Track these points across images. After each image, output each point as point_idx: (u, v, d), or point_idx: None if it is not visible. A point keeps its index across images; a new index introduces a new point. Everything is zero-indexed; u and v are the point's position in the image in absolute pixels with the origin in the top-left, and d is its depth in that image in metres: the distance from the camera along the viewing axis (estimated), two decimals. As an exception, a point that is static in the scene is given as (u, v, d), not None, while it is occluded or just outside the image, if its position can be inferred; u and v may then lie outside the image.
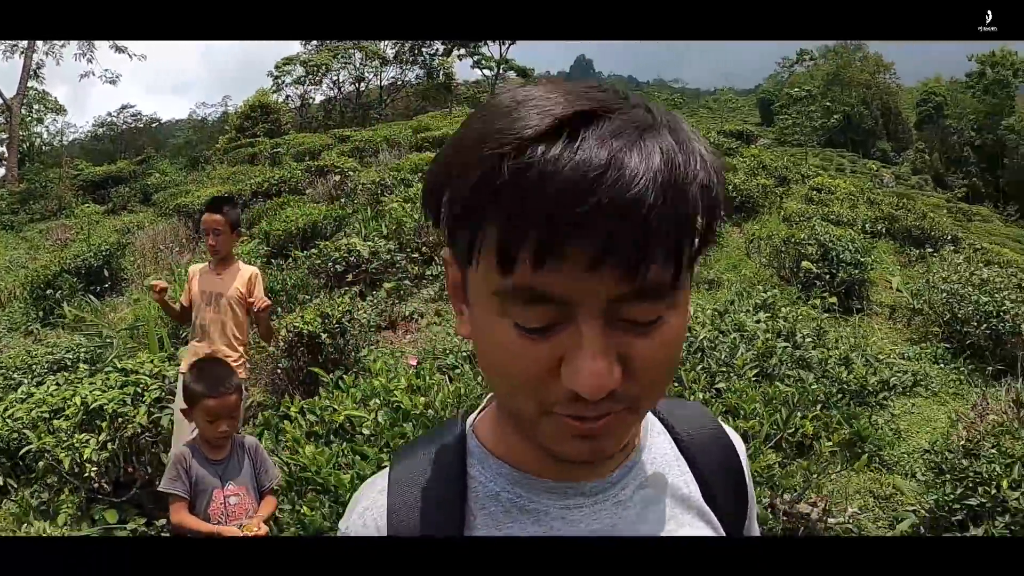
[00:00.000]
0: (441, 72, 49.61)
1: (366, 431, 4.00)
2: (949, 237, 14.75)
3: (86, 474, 4.15)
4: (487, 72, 52.81)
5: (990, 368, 7.80)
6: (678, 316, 0.74)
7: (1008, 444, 4.46)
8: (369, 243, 9.36)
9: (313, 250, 9.60)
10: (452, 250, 0.79)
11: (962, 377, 7.69)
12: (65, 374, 5.60)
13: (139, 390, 4.64)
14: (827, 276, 9.57)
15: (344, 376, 4.91)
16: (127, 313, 9.23)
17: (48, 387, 5.00)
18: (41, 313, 9.72)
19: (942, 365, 7.92)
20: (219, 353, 4.41)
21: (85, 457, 4.16)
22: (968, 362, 7.97)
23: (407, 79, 53.11)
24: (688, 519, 0.95)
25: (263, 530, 3.27)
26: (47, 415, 4.51)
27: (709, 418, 1.08)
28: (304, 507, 3.64)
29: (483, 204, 0.68)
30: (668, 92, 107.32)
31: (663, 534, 0.92)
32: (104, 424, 4.34)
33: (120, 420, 4.37)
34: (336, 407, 4.23)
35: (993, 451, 4.44)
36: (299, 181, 15.65)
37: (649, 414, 1.00)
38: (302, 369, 6.00)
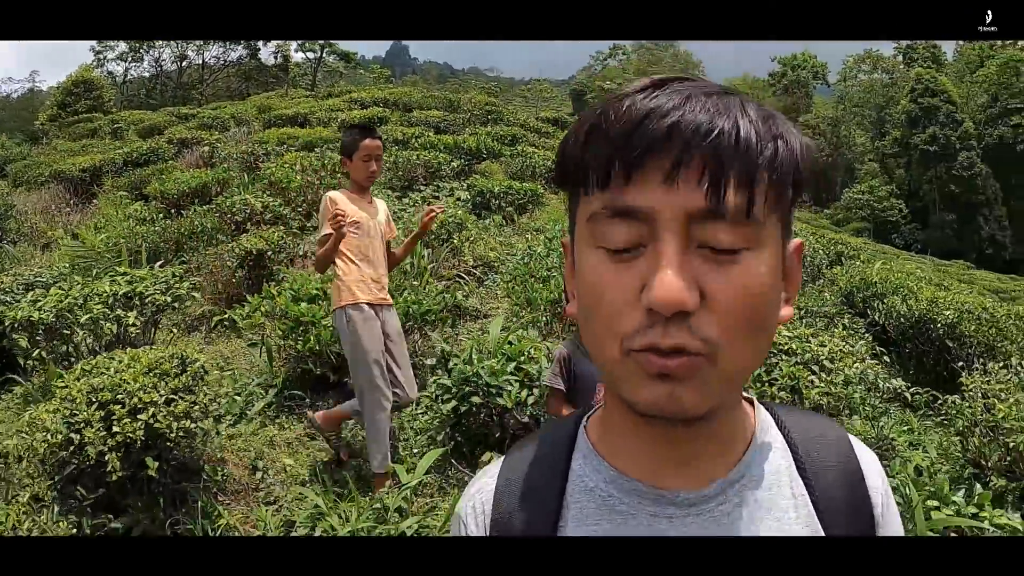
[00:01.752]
0: (280, 55, 50.21)
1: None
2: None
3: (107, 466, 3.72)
4: (310, 55, 53.82)
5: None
6: (759, 261, 0.76)
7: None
8: (260, 199, 11.10)
9: (211, 205, 11.31)
10: (569, 228, 0.89)
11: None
12: (57, 287, 6.88)
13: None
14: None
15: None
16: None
17: (55, 291, 6.44)
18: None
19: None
20: (380, 275, 4.75)
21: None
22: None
23: (229, 59, 53.11)
24: None
25: None
26: (79, 301, 6.05)
27: (840, 437, 0.99)
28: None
29: (585, 144, 0.79)
30: (484, 80, 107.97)
31: None
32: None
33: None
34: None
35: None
36: (165, 152, 17.00)
37: (771, 427, 0.97)
38: (251, 277, 7.92)
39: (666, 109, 0.74)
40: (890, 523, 0.96)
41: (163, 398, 4.02)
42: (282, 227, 9.97)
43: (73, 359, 5.89)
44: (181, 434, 3.99)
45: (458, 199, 13.04)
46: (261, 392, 6.05)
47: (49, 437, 3.79)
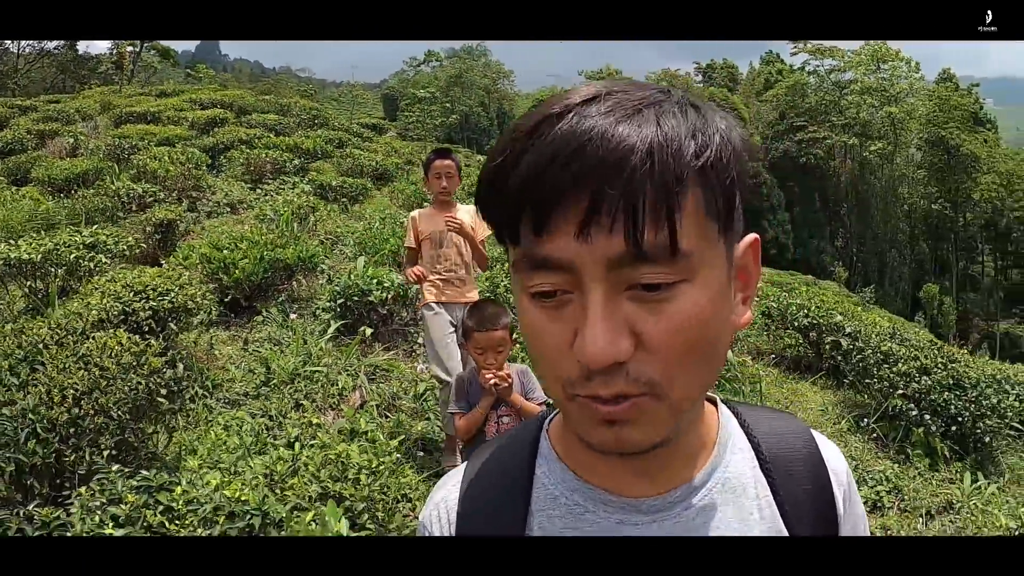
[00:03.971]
0: (115, 51, 50.04)
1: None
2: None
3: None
4: (130, 48, 53.84)
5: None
6: (699, 293, 0.73)
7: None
8: (140, 185, 13.45)
9: (92, 189, 13.57)
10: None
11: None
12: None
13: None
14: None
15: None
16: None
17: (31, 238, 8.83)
18: None
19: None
20: (456, 278, 5.47)
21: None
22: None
23: (46, 48, 52.23)
24: None
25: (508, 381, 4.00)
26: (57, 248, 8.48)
27: (801, 433, 1.00)
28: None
29: (493, 185, 0.75)
30: (296, 81, 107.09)
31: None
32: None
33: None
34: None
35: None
36: (27, 142, 18.69)
37: (735, 428, 0.97)
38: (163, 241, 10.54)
39: (570, 150, 0.69)
40: (853, 516, 0.99)
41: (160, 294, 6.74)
42: (178, 206, 12.45)
43: (44, 294, 8.32)
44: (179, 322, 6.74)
45: (303, 191, 15.76)
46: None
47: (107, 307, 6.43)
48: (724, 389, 7.55)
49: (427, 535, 0.98)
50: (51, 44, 50.69)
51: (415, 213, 5.68)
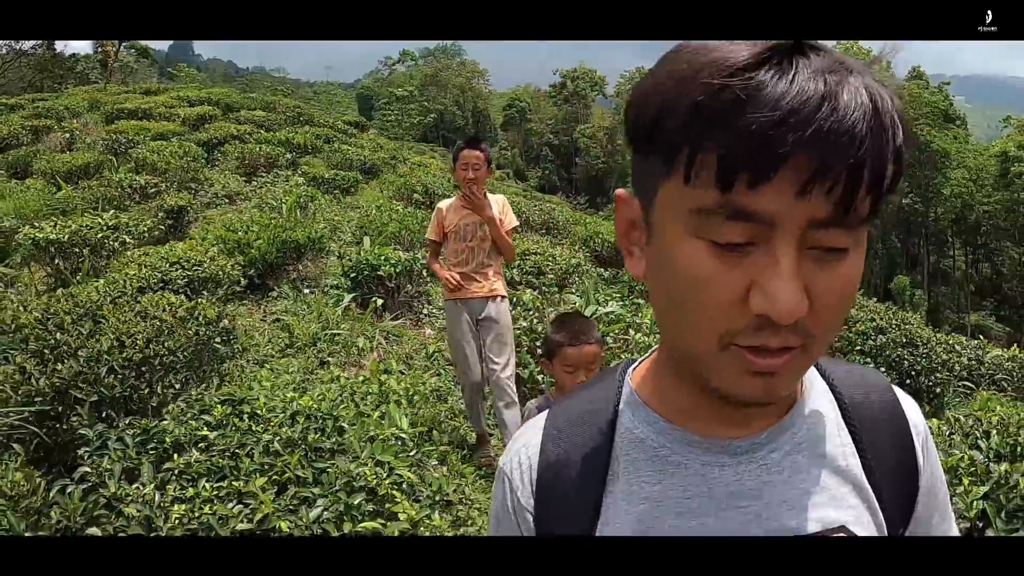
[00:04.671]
0: (100, 50, 50.27)
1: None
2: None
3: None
4: (111, 47, 54.07)
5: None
6: (859, 257, 0.76)
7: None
8: (142, 177, 14.06)
9: (95, 181, 14.16)
10: (634, 182, 0.84)
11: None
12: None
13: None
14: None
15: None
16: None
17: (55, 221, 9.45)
18: None
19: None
20: (480, 273, 5.35)
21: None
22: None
23: (23, 48, 52.30)
24: (842, 493, 0.91)
25: None
26: (83, 229, 9.12)
27: (882, 383, 1.02)
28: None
29: (704, 126, 0.71)
30: (270, 80, 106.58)
31: (811, 507, 0.88)
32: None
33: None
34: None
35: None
36: (23, 137, 19.19)
37: (816, 375, 0.99)
38: (174, 226, 11.13)
39: (806, 111, 0.68)
40: (931, 465, 0.99)
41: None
42: (185, 194, 13.07)
43: (75, 270, 8.93)
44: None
45: (297, 183, 16.40)
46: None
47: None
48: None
49: (505, 480, 0.98)
50: (28, 44, 50.68)
51: (442, 204, 5.57)
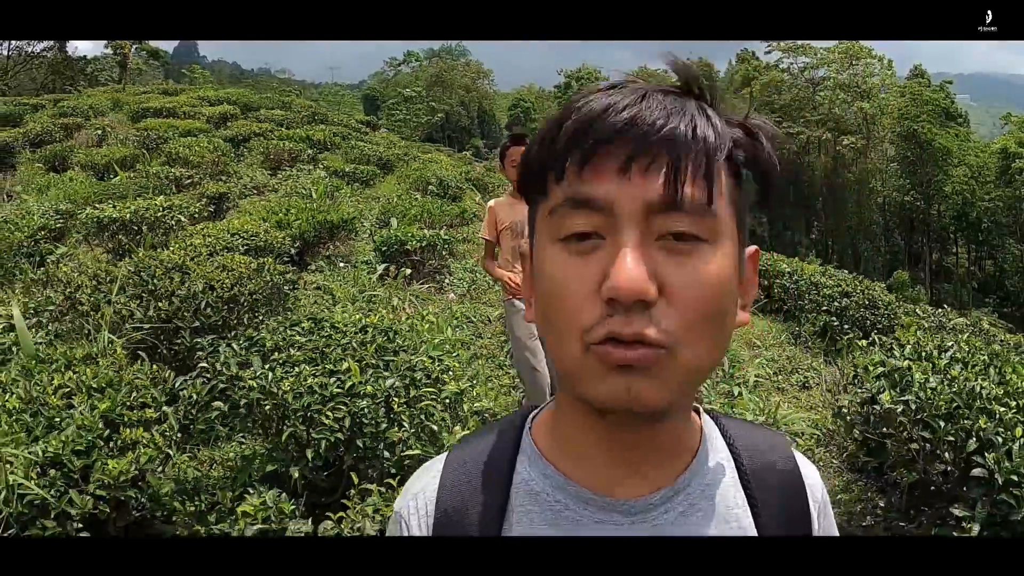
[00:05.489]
0: (119, 52, 51.33)
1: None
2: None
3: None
4: (129, 49, 55.07)
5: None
6: (719, 253, 0.79)
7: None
8: (174, 169, 15.22)
9: (132, 172, 15.36)
10: (530, 235, 0.90)
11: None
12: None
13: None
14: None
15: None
16: None
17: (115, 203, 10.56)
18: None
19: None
20: None
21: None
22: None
23: (34, 51, 53.13)
24: None
25: None
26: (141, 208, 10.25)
27: (782, 449, 1.03)
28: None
29: (544, 146, 0.82)
30: (276, 82, 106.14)
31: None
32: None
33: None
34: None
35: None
36: (54, 134, 20.40)
37: (716, 436, 0.99)
38: (215, 209, 12.27)
39: (623, 105, 0.77)
40: (825, 530, 1.02)
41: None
42: (224, 182, 14.24)
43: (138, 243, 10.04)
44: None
45: (319, 176, 17.56)
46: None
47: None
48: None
49: (403, 525, 0.97)
50: (40, 46, 51.42)
51: (492, 203, 5.52)
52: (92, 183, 14.09)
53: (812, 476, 1.03)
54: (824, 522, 1.03)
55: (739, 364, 7.73)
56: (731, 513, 0.93)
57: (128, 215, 9.96)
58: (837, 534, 1.06)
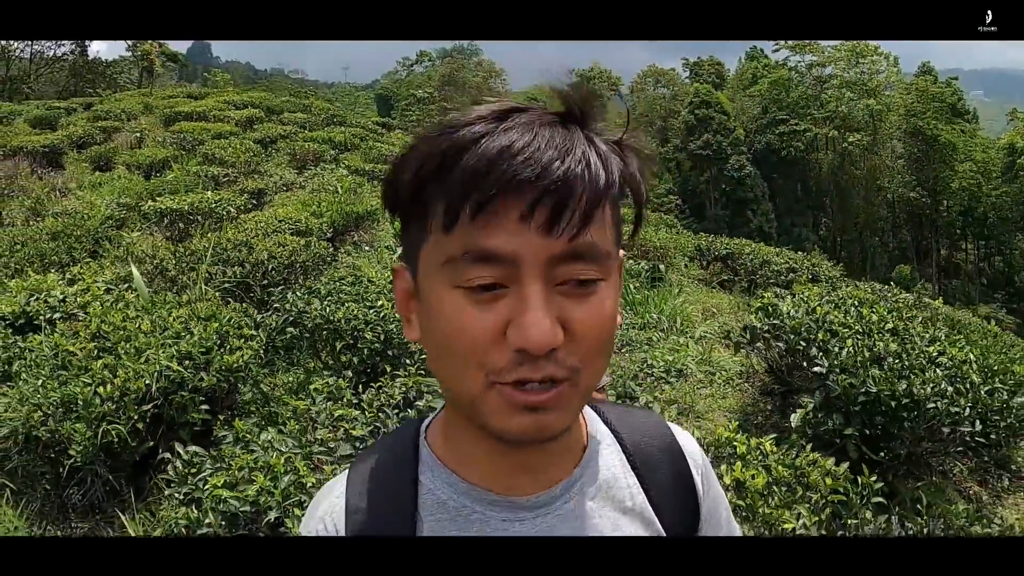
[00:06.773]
0: (144, 56, 52.72)
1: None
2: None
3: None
4: (153, 53, 56.51)
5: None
6: (610, 288, 0.84)
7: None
8: (212, 167, 17.03)
9: (170, 174, 17.16)
10: (403, 255, 0.92)
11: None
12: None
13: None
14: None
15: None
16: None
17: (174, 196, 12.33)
18: None
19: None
20: None
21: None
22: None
23: (57, 54, 53.33)
24: (633, 530, 0.99)
25: None
26: (196, 201, 12.03)
27: (659, 425, 1.11)
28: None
29: (430, 179, 0.80)
30: (288, 82, 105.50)
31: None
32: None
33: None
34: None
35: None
36: (94, 137, 21.95)
37: (601, 425, 1.07)
38: (255, 203, 14.06)
39: (517, 147, 0.76)
40: (711, 491, 1.10)
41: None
42: (257, 179, 16.04)
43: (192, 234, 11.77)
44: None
45: (343, 174, 19.26)
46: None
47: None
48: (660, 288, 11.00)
49: None
50: (61, 49, 51.92)
51: None
52: (140, 181, 15.88)
53: (689, 444, 1.11)
54: (708, 486, 1.11)
55: (691, 323, 9.34)
56: (624, 491, 1.01)
57: (186, 206, 11.68)
58: (723, 496, 1.15)
